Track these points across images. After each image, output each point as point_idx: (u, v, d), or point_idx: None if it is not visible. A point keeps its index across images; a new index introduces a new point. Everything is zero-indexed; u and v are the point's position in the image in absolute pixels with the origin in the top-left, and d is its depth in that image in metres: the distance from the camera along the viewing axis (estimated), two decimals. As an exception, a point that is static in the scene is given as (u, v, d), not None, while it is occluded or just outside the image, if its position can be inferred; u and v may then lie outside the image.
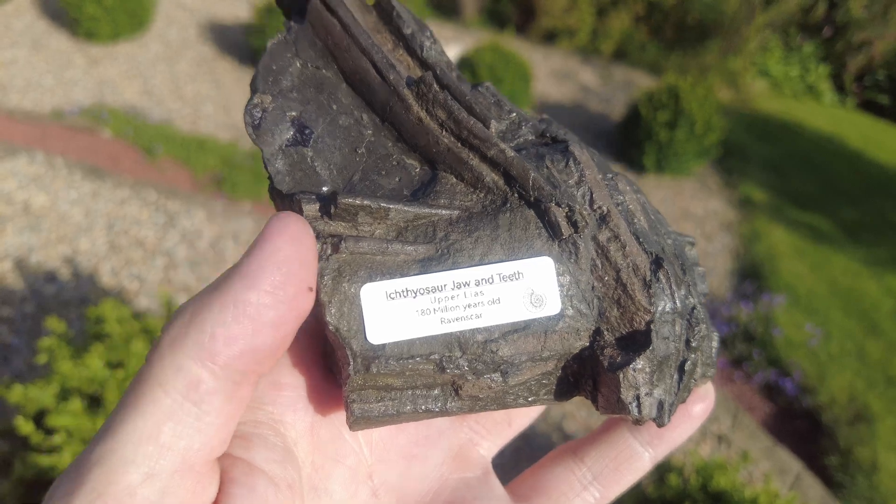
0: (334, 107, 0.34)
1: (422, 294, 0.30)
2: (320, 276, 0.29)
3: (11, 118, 3.29)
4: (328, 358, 0.33)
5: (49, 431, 1.27)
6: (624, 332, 0.32)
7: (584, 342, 0.32)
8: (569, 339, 0.31)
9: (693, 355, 0.33)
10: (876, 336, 2.88)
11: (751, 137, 4.51)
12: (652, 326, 0.31)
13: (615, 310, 0.32)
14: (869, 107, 5.90)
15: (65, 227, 2.66)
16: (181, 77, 3.94)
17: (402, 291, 0.30)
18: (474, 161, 0.32)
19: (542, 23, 5.20)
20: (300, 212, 0.30)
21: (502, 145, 0.32)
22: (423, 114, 0.33)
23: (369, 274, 0.30)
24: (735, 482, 1.45)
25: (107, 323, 1.41)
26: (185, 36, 4.37)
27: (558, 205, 0.31)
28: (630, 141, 3.77)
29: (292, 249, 0.27)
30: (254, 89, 0.33)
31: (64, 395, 1.30)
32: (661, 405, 0.31)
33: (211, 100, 3.78)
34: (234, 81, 3.99)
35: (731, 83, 5.04)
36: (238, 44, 4.31)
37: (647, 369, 0.31)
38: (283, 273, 0.26)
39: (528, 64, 4.01)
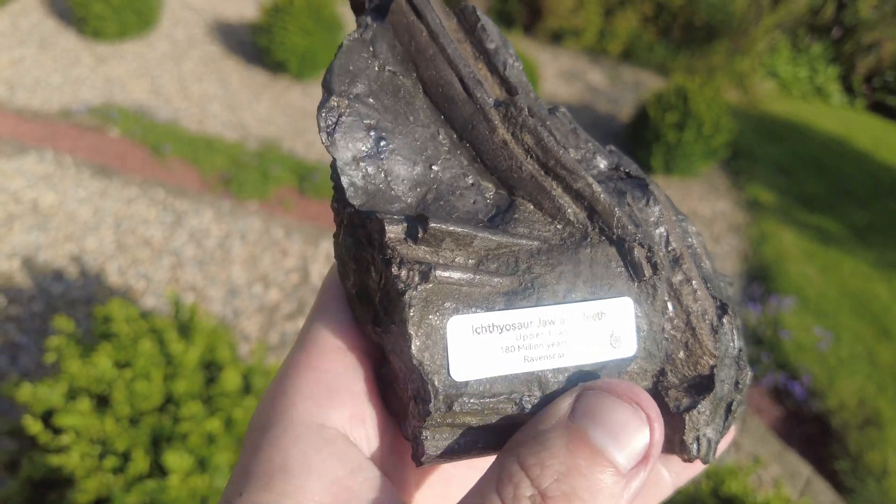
0: (411, 118, 0.32)
1: (507, 330, 0.29)
2: (408, 306, 0.27)
3: (20, 117, 3.31)
4: (382, 382, 0.32)
5: (57, 431, 1.27)
6: (687, 375, 0.32)
7: (649, 383, 0.32)
8: (636, 379, 0.31)
9: (739, 396, 0.33)
10: (887, 340, 2.86)
11: (759, 139, 4.49)
12: (716, 371, 0.32)
13: (682, 352, 0.32)
14: (878, 108, 5.86)
15: (72, 225, 2.67)
16: (188, 76, 3.95)
17: (489, 326, 0.29)
18: (557, 191, 0.31)
19: (549, 23, 5.19)
20: (380, 232, 0.28)
21: (590, 179, 0.31)
22: (508, 137, 0.32)
23: (456, 306, 0.28)
24: (746, 487, 1.43)
25: (114, 322, 1.41)
26: (192, 35, 4.38)
27: (641, 245, 0.31)
28: (638, 142, 3.76)
29: (341, 363, 0.30)
30: (329, 90, 0.31)
31: (72, 394, 1.29)
32: (709, 443, 0.31)
33: (218, 99, 3.78)
34: (240, 81, 4.00)
35: (740, 84, 5.02)
36: (244, 43, 4.32)
37: (708, 412, 0.31)
38: (345, 383, 0.30)
39: (536, 64, 4.01)
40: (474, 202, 0.31)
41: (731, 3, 5.08)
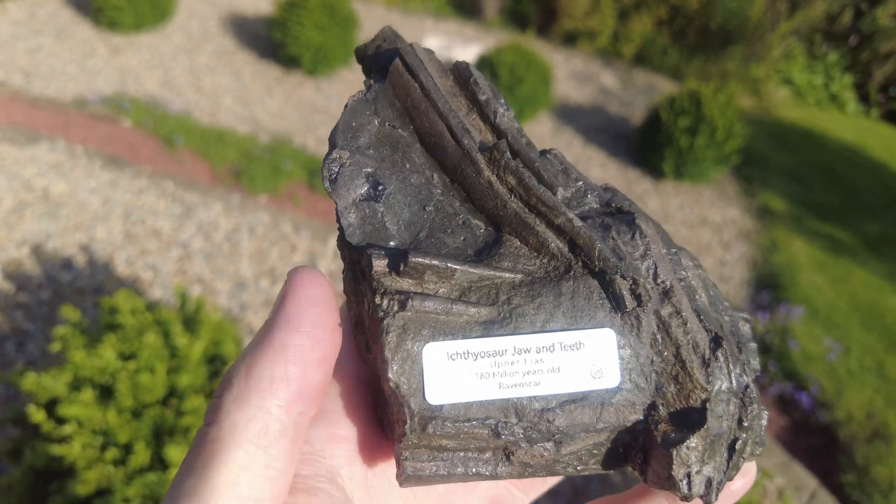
0: (407, 165, 0.35)
1: (482, 357, 0.30)
2: (385, 332, 0.30)
3: (35, 105, 3.33)
4: (380, 408, 0.34)
5: (60, 420, 1.27)
6: (679, 409, 0.32)
7: (639, 416, 0.32)
8: (624, 412, 0.32)
9: (744, 434, 0.33)
10: (896, 352, 2.82)
11: (772, 146, 4.45)
12: (707, 405, 0.32)
13: (672, 386, 0.32)
14: (893, 118, 5.79)
15: (82, 214, 2.68)
16: (201, 69, 3.96)
17: (464, 353, 0.30)
18: (540, 227, 0.33)
19: (564, 24, 5.16)
20: (369, 266, 0.31)
21: (570, 214, 0.33)
22: (493, 178, 0.34)
23: (432, 333, 0.30)
24: (751, 498, 1.41)
25: (120, 314, 1.41)
26: (206, 28, 4.40)
27: (623, 277, 0.32)
28: (650, 146, 3.74)
29: (319, 293, 0.29)
30: (332, 144, 0.34)
31: (76, 384, 1.29)
32: (709, 482, 0.31)
33: (230, 92, 3.79)
34: (253, 75, 4.01)
35: (754, 90, 4.97)
36: (258, 37, 4.33)
37: (700, 447, 0.31)
38: (318, 314, 0.29)
39: (549, 65, 3.98)
40: (464, 239, 0.34)
41: (747, 9, 5.03)
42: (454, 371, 0.30)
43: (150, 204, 2.80)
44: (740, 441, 0.32)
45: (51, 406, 1.30)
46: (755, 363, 0.36)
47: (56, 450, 1.18)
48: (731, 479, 0.33)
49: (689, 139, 3.52)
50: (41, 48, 3.83)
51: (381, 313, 0.30)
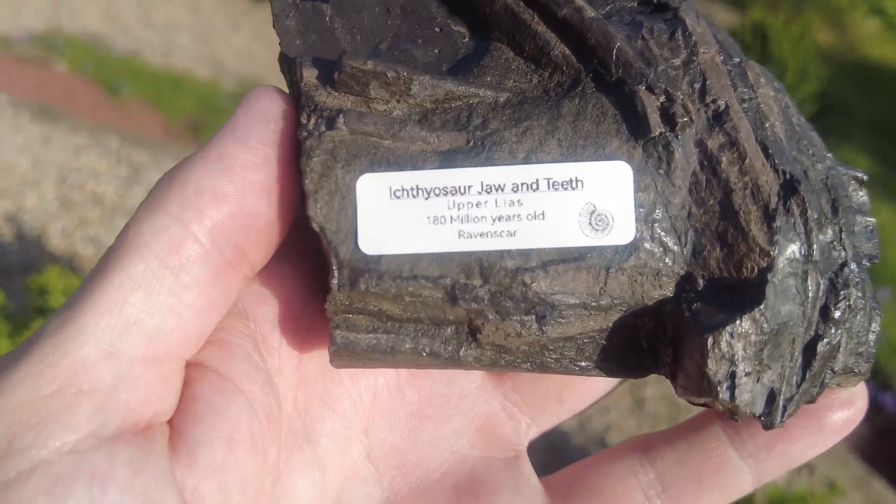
0: None
1: (437, 195, 0.28)
2: (307, 155, 0.27)
3: (-52, 45, 3.31)
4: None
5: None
6: (726, 282, 0.28)
7: (667, 291, 0.28)
8: (643, 283, 0.28)
9: (834, 331, 0.28)
10: None
11: (856, 90, 4.39)
12: (769, 276, 0.27)
13: (718, 249, 0.28)
14: None
15: (8, 178, 2.67)
16: (152, -1, 3.91)
17: (412, 189, 0.28)
18: (539, 26, 0.30)
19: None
20: (300, 79, 0.28)
21: (579, 2, 0.29)
22: None
23: (371, 162, 0.28)
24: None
25: (51, 295, 1.42)
26: (159, -51, 4.35)
27: (650, 89, 0.28)
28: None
29: (278, 111, 0.28)
30: None
31: None
32: (771, 396, 0.27)
33: (187, 28, 3.77)
34: (214, 6, 3.97)
35: (834, 22, 4.89)
36: (222, -40, 4.28)
37: (754, 338, 0.26)
38: (272, 132, 0.28)
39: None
40: (439, 51, 0.31)
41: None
42: (398, 212, 0.28)
43: (91, 164, 2.79)
44: (825, 342, 0.28)
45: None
46: (871, 247, 0.31)
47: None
48: (811, 399, 0.29)
49: (753, 82, 3.49)
50: (-44, -25, 3.81)
51: (305, 133, 0.27)
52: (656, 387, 2.19)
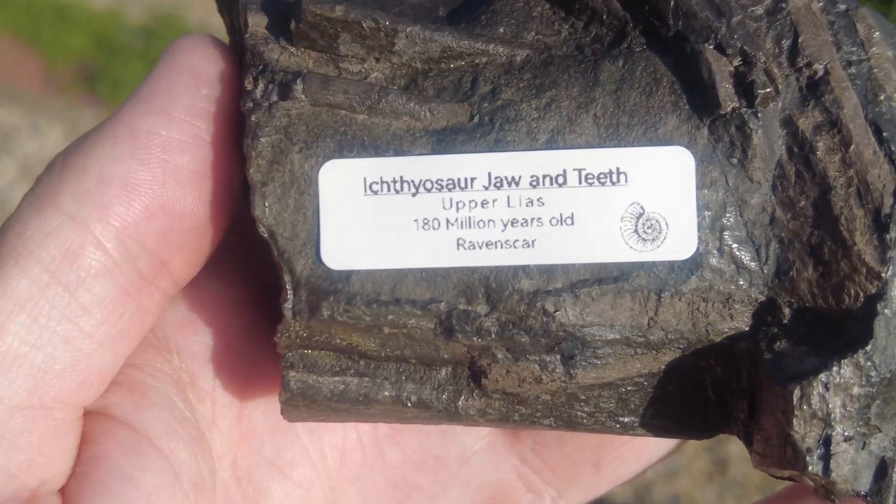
0: None
1: (429, 190, 0.25)
2: (253, 135, 0.24)
3: None
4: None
5: None
6: (821, 313, 0.25)
7: (740, 324, 0.25)
8: (708, 312, 0.25)
9: None
10: None
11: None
12: (879, 306, 0.24)
13: (810, 267, 0.25)
14: None
15: None
16: None
17: (395, 182, 0.25)
18: None
19: None
20: (244, 29, 0.26)
21: None
22: None
23: (340, 144, 0.25)
24: None
25: None
26: None
27: (721, 49, 0.24)
28: None
29: (210, 69, 0.25)
30: None
31: None
32: (882, 468, 0.24)
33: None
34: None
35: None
36: None
37: (857, 390, 0.23)
38: (204, 98, 0.24)
39: None
40: None
41: None
42: (376, 213, 0.25)
43: (-70, 130, 2.39)
44: None
45: None
46: None
47: None
48: None
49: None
50: None
51: (250, 104, 0.24)
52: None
